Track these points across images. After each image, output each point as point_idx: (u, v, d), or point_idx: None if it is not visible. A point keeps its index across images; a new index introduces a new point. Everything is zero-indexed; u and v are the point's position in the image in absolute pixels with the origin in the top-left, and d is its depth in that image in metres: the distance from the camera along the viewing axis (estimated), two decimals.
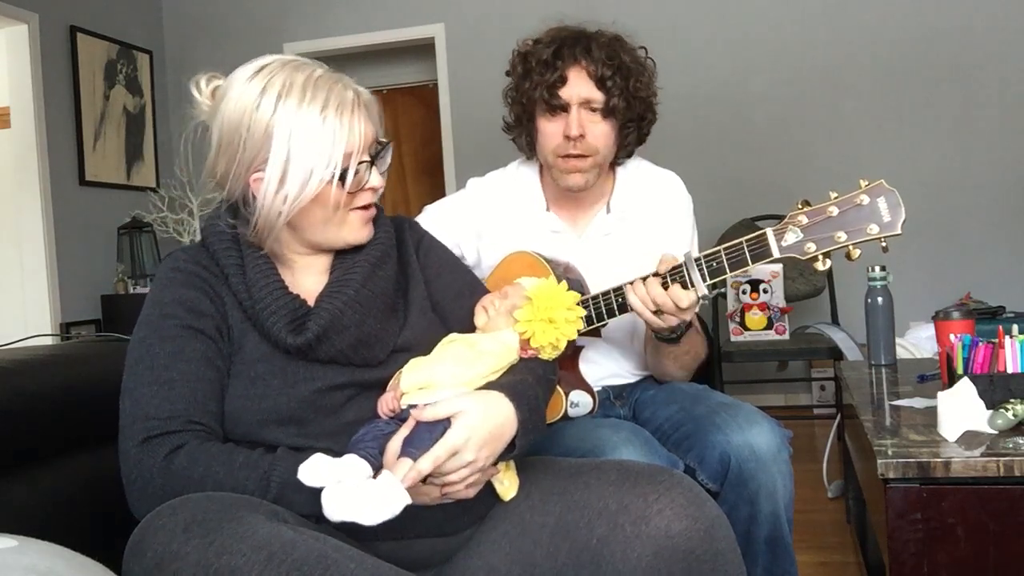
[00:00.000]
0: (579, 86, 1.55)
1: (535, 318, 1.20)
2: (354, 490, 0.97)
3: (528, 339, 1.21)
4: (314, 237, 1.19)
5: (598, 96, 1.55)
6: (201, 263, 1.18)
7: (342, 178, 1.13)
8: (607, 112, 1.56)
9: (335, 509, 0.96)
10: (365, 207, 1.19)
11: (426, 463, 1.01)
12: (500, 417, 1.09)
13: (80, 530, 1.20)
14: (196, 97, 1.20)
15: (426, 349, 1.19)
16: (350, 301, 1.15)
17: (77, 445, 1.31)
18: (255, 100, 1.12)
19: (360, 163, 1.15)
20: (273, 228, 1.14)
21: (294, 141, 1.11)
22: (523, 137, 1.67)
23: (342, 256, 1.22)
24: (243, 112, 1.12)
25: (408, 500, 0.98)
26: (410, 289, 1.27)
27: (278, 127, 1.11)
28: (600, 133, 1.57)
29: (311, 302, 1.17)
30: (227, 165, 1.15)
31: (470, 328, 1.26)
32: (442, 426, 1.05)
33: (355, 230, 1.19)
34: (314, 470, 0.99)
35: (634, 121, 1.61)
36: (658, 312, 1.38)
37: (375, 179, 1.18)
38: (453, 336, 1.21)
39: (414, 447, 1.03)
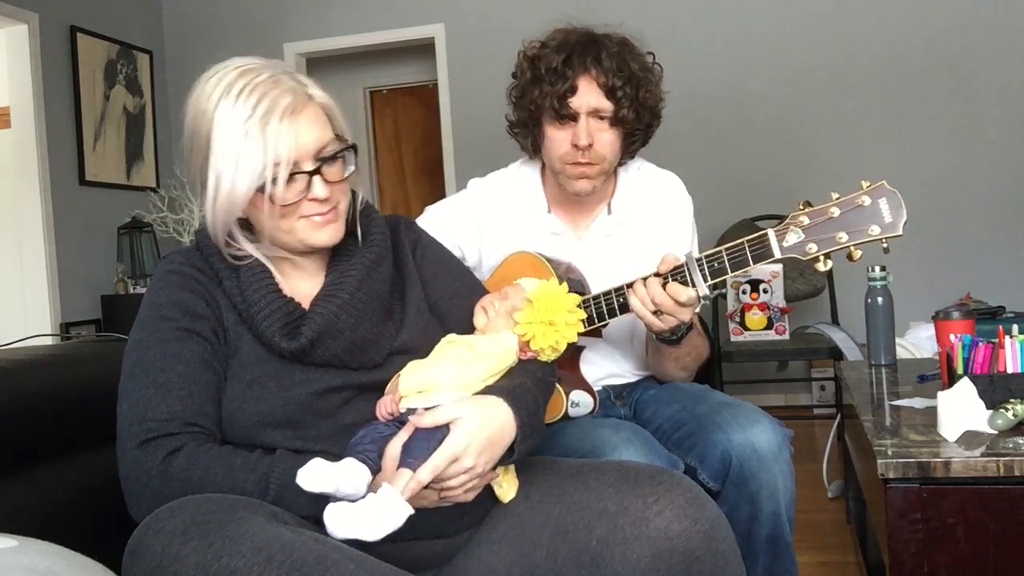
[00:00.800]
0: (589, 96, 1.54)
1: (535, 320, 1.20)
2: (356, 507, 0.97)
3: (528, 341, 1.20)
4: (280, 242, 1.16)
5: (607, 106, 1.54)
6: (196, 266, 1.17)
7: (269, 188, 1.08)
8: (615, 121, 1.56)
9: (338, 527, 0.96)
10: (318, 214, 1.13)
11: (425, 473, 1.01)
12: (499, 422, 1.08)
13: (80, 530, 1.20)
14: None
15: (423, 351, 1.18)
16: (344, 305, 1.14)
17: (77, 445, 1.31)
18: (203, 104, 1.10)
19: (297, 173, 1.09)
20: (217, 236, 1.13)
21: (224, 150, 1.08)
22: (527, 138, 1.66)
23: (337, 257, 1.21)
24: (195, 115, 1.11)
25: (410, 511, 0.99)
26: (407, 290, 1.26)
27: (213, 134, 1.09)
28: (607, 141, 1.57)
29: (306, 305, 1.16)
30: (193, 168, 1.15)
31: (469, 329, 1.26)
32: (441, 432, 1.05)
33: (310, 235, 1.14)
34: (312, 475, 0.99)
35: (641, 129, 1.61)
36: (657, 312, 1.38)
37: (318, 190, 1.11)
38: (452, 337, 1.21)
39: (413, 456, 1.03)
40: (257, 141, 1.07)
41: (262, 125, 1.07)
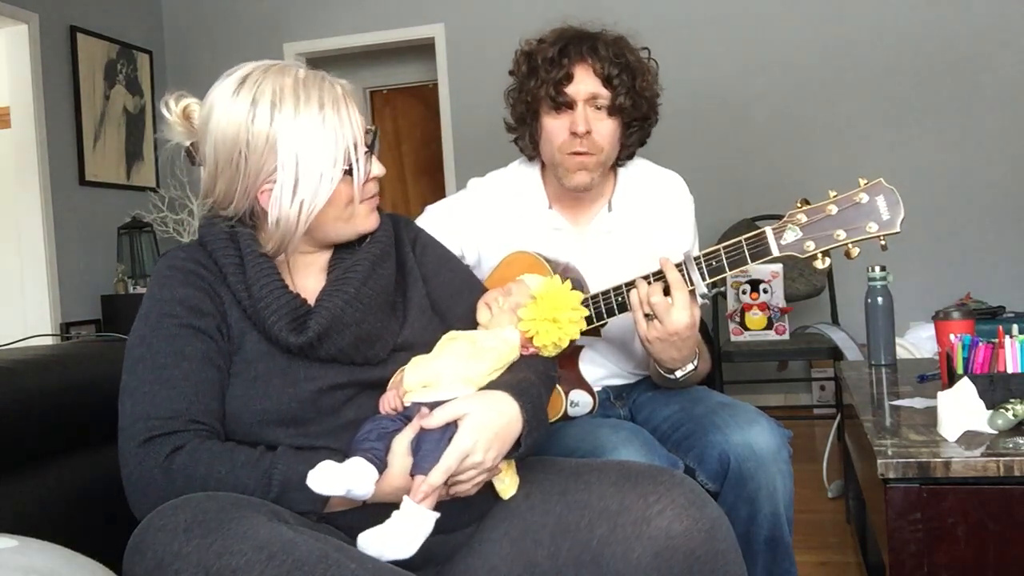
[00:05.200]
0: (585, 83, 1.55)
1: (539, 317, 1.20)
2: (386, 530, 1.00)
3: (531, 338, 1.21)
4: (328, 235, 1.19)
5: (604, 93, 1.55)
6: (199, 262, 1.17)
7: (350, 173, 1.14)
8: (613, 110, 1.56)
9: (375, 554, 0.98)
10: (372, 196, 1.20)
11: (438, 476, 1.03)
12: (505, 417, 1.09)
13: (80, 530, 1.20)
14: (167, 118, 1.18)
15: (426, 348, 1.19)
16: (351, 300, 1.14)
17: (77, 445, 1.31)
18: (248, 113, 1.10)
19: (363, 154, 1.15)
20: (293, 238, 1.14)
21: (300, 147, 1.10)
22: (526, 137, 1.66)
23: (341, 254, 1.22)
24: (238, 128, 1.10)
25: (436, 515, 1.02)
26: (408, 287, 1.26)
27: (280, 136, 1.10)
28: (606, 131, 1.57)
29: (311, 300, 1.16)
30: (228, 184, 1.13)
31: (470, 325, 1.26)
32: (449, 429, 1.05)
33: (365, 220, 1.20)
34: (323, 478, 0.99)
35: (639, 120, 1.61)
36: (649, 316, 1.38)
37: (377, 167, 1.19)
38: (454, 333, 1.21)
39: (424, 457, 1.04)
40: (336, 130, 1.12)
41: (336, 113, 1.12)
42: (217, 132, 1.12)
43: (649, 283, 1.39)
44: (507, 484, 1.17)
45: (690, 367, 1.45)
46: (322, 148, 1.11)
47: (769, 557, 1.43)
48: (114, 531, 1.06)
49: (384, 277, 1.21)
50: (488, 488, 1.14)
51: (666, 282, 1.37)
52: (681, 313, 1.35)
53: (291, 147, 1.10)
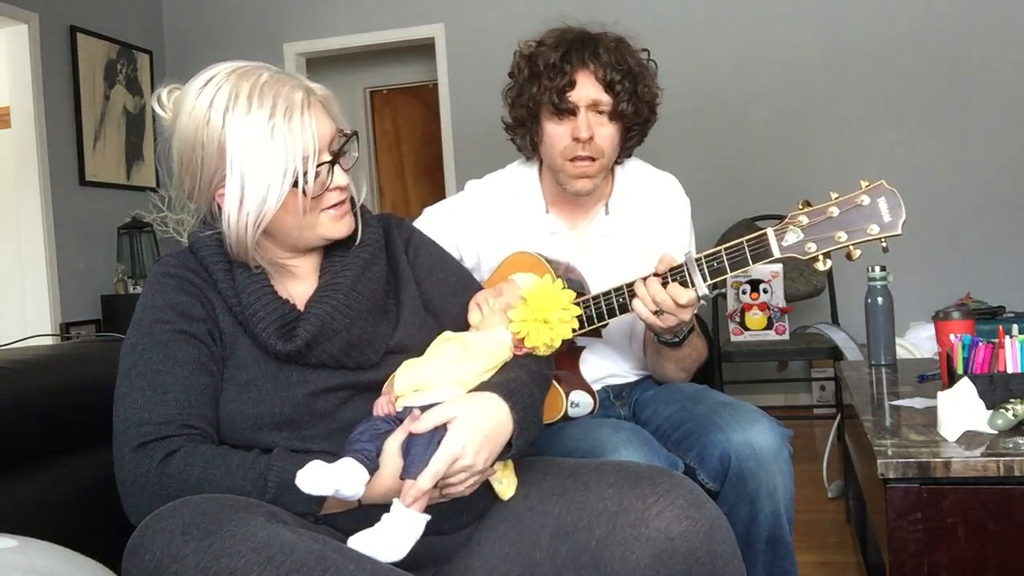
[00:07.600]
0: (587, 89, 1.55)
1: (530, 318, 1.19)
2: (377, 533, 0.99)
3: (522, 339, 1.20)
4: (291, 240, 1.17)
5: (606, 99, 1.55)
6: (191, 268, 1.17)
7: (301, 183, 1.10)
8: (614, 115, 1.56)
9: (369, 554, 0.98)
10: (336, 205, 1.16)
11: (426, 480, 1.02)
12: (495, 419, 1.09)
13: (80, 530, 1.20)
14: (159, 112, 1.18)
15: (419, 349, 1.18)
16: (339, 305, 1.14)
17: (77, 445, 1.31)
18: (205, 114, 1.10)
19: (320, 165, 1.12)
20: (246, 245, 1.12)
21: (246, 155, 1.08)
22: (526, 138, 1.66)
23: (331, 258, 1.21)
24: (196, 127, 1.10)
25: (426, 518, 1.01)
26: (401, 289, 1.26)
27: (229, 141, 1.08)
28: (607, 135, 1.57)
29: (301, 306, 1.16)
30: (191, 181, 1.14)
31: (464, 325, 1.26)
32: (438, 433, 1.05)
33: (330, 227, 1.17)
34: (312, 478, 0.99)
35: (639, 124, 1.62)
36: (658, 312, 1.38)
37: (339, 178, 1.15)
38: (447, 334, 1.21)
39: (413, 460, 1.04)
40: (285, 140, 1.08)
41: (286, 122, 1.09)
42: (180, 129, 1.12)
43: (644, 284, 1.39)
44: (505, 485, 1.16)
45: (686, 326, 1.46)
46: (269, 158, 1.08)
47: (770, 557, 1.43)
48: (114, 531, 1.06)
49: (374, 280, 1.20)
50: (487, 489, 1.14)
51: (663, 278, 1.37)
52: (687, 295, 1.35)
53: (238, 155, 1.08)
